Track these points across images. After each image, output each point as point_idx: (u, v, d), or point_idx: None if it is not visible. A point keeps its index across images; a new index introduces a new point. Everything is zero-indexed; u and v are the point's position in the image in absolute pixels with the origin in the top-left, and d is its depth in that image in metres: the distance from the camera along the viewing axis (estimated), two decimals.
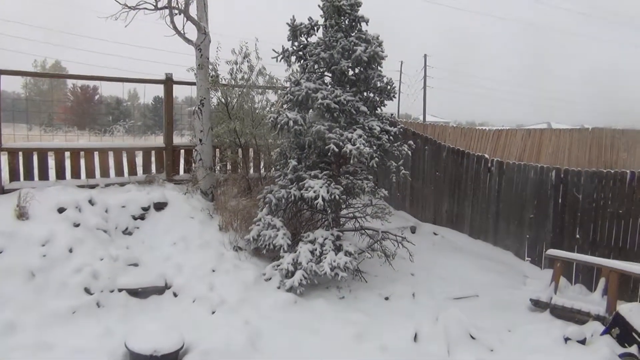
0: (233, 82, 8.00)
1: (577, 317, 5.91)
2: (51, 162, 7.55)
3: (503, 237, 8.37)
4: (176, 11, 7.24)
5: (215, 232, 6.90)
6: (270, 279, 6.11)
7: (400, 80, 49.28)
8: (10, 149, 7.15)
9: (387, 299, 6.13)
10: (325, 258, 6.03)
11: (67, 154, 7.61)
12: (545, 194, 7.77)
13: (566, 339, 5.22)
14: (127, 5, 6.95)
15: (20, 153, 7.21)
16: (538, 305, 6.29)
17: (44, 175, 7.35)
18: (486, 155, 8.84)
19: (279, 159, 6.99)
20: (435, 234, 8.81)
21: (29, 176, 7.25)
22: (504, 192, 8.34)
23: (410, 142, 7.02)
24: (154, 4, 7.05)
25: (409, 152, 6.87)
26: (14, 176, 7.16)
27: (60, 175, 7.48)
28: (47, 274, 5.62)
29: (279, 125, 6.33)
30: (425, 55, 50.02)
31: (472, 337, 5.24)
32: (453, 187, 9.10)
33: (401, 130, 7.09)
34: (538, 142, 13.77)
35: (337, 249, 6.26)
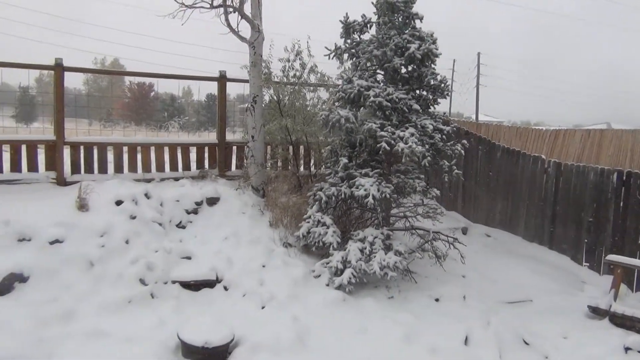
0: (285, 79, 8.06)
1: (638, 326, 5.65)
2: (110, 156, 7.82)
3: (559, 241, 8.09)
4: (231, 9, 7.35)
5: (266, 228, 6.97)
6: (319, 276, 6.12)
7: (452, 78, 48.49)
8: (73, 143, 7.45)
9: (437, 300, 6.03)
10: (374, 257, 5.99)
11: (125, 148, 7.87)
12: (606, 197, 7.46)
13: (627, 349, 5.00)
14: (184, 4, 7.12)
15: (82, 147, 7.50)
16: (596, 312, 6.05)
17: (103, 169, 7.63)
18: (543, 156, 8.57)
19: (329, 156, 6.99)
20: (487, 235, 8.61)
21: (89, 169, 7.54)
22: (561, 194, 8.06)
23: (464, 141, 6.88)
24: (210, 2, 7.19)
25: (462, 152, 6.74)
26: (75, 169, 7.46)
27: (119, 169, 7.74)
28: (104, 264, 5.83)
29: (330, 123, 6.33)
30: (478, 53, 49.09)
31: (525, 342, 5.10)
32: (507, 188, 8.87)
33: (454, 129, 6.96)
34: (598, 143, 13.21)
35: (387, 248, 6.20)
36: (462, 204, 9.61)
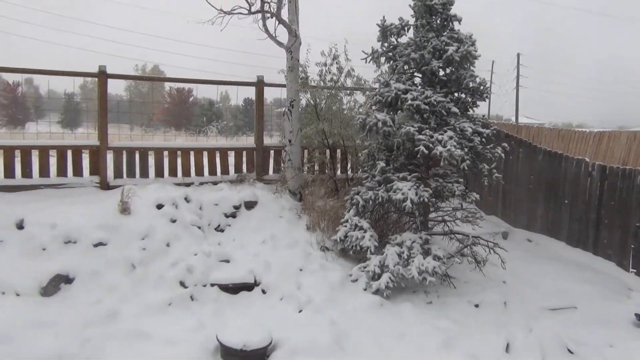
0: (322, 83, 8.09)
1: None
2: (151, 160, 8.00)
3: (604, 246, 7.84)
4: (268, 15, 7.42)
5: (303, 232, 6.99)
6: (356, 280, 6.10)
7: (491, 80, 47.72)
8: (116, 147, 7.65)
9: (477, 306, 5.92)
10: (412, 261, 5.94)
11: (166, 153, 8.04)
12: None
13: None
14: (222, 11, 7.22)
15: (124, 152, 7.70)
16: None
17: (144, 173, 7.81)
18: (586, 159, 8.33)
19: (366, 160, 6.96)
20: (529, 240, 8.42)
21: (131, 173, 7.74)
22: (606, 198, 7.80)
23: (504, 144, 6.75)
24: (248, 8, 7.28)
25: (502, 155, 6.61)
26: (118, 173, 7.66)
27: (159, 173, 7.91)
28: (146, 266, 5.96)
29: (367, 127, 6.30)
30: (518, 54, 48.16)
31: (569, 351, 4.96)
32: (549, 192, 8.65)
33: (494, 132, 6.84)
34: None
35: (425, 252, 6.14)
36: (502, 208, 9.43)
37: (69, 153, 7.41)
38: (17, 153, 7.24)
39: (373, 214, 6.89)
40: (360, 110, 7.95)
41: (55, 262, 5.77)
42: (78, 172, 7.45)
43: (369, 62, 6.89)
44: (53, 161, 7.41)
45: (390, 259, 5.99)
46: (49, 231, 6.04)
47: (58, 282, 5.61)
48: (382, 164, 6.48)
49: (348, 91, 8.22)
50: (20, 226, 6.10)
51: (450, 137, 6.04)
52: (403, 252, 6.09)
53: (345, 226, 6.53)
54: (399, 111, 6.65)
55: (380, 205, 6.69)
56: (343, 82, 8.08)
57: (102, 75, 7.42)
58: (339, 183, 8.04)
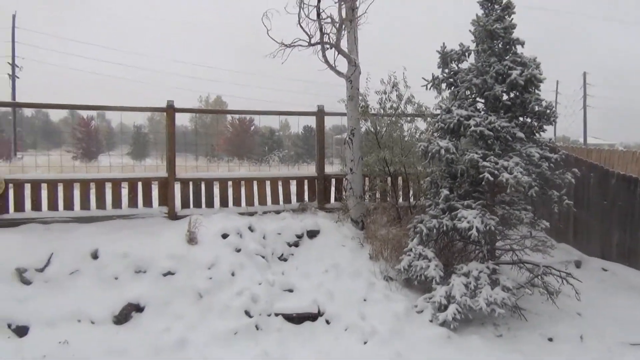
0: (382, 111, 8.10)
1: None
2: (216, 190, 8.21)
3: None
4: (328, 46, 7.53)
5: (366, 261, 6.94)
6: (422, 311, 5.97)
7: (556, 100, 46.30)
8: (183, 179, 7.91)
9: (550, 340, 5.64)
10: (480, 292, 5.76)
11: (230, 183, 8.22)
12: None
13: None
14: (283, 44, 7.39)
15: (191, 183, 7.95)
16: None
17: (210, 203, 8.01)
18: None
19: (429, 187, 6.87)
20: (604, 269, 7.97)
21: (197, 204, 7.95)
22: None
23: (575, 169, 6.50)
24: (308, 40, 7.42)
25: (573, 181, 6.36)
26: (185, 204, 7.89)
27: (224, 202, 8.09)
28: (212, 295, 6.07)
29: (429, 154, 6.24)
30: (584, 73, 46.60)
31: None
32: (624, 218, 8.19)
33: (563, 156, 6.60)
34: None
35: (493, 283, 5.94)
36: (573, 235, 9.01)
37: (140, 185, 7.72)
38: (92, 185, 7.62)
39: (437, 243, 6.76)
40: (422, 137, 7.88)
41: (127, 291, 5.99)
42: (148, 203, 7.74)
43: (430, 88, 6.86)
44: (125, 192, 7.74)
45: (457, 290, 5.84)
46: (121, 261, 6.30)
47: (130, 311, 5.82)
48: (445, 191, 6.37)
49: (409, 118, 8.18)
50: (95, 256, 6.38)
51: (517, 163, 5.88)
52: (470, 283, 5.92)
53: (409, 255, 6.43)
54: (462, 137, 6.55)
55: (445, 233, 6.57)
56: (403, 109, 8.06)
57: (170, 110, 7.73)
58: (401, 211, 7.96)
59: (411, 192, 8.43)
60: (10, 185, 7.17)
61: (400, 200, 8.35)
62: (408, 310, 6.01)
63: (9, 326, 5.45)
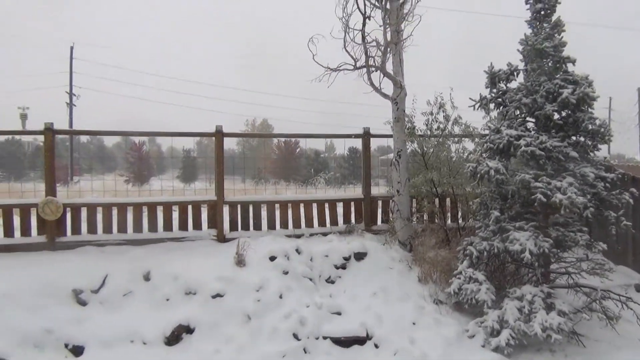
0: (429, 132, 8.03)
1: None
2: (263, 212, 8.30)
3: None
4: (373, 69, 7.56)
5: (415, 284, 6.84)
6: (473, 336, 5.82)
7: (609, 117, 44.83)
8: (231, 202, 8.04)
9: None
10: (535, 317, 5.57)
11: (277, 205, 8.30)
12: None
13: None
14: (329, 68, 7.48)
15: (239, 206, 8.07)
16: None
17: (257, 226, 8.10)
18: None
19: (479, 209, 6.74)
20: None
21: (245, 226, 8.06)
22: None
23: (633, 189, 6.25)
24: (353, 64, 7.48)
25: (631, 201, 6.11)
26: (233, 226, 8.01)
27: (271, 225, 8.17)
28: (260, 318, 6.10)
29: (478, 175, 6.14)
30: (639, 89, 44.95)
31: None
32: None
33: (619, 176, 6.36)
34: None
35: (549, 307, 5.73)
36: (632, 257, 8.61)
37: (190, 208, 7.90)
38: (145, 209, 7.84)
39: (488, 266, 6.60)
40: (470, 157, 7.77)
41: (177, 312, 6.10)
42: (198, 225, 7.89)
43: (477, 109, 6.78)
44: (175, 215, 7.92)
45: (510, 314, 5.67)
46: (172, 282, 6.43)
47: (180, 332, 5.91)
48: (496, 213, 6.24)
49: (456, 139, 8.08)
50: (147, 278, 6.54)
51: (570, 184, 5.71)
52: (524, 307, 5.74)
53: (459, 278, 6.30)
54: (512, 158, 6.42)
55: (496, 256, 6.41)
56: (450, 129, 7.97)
57: (219, 135, 7.91)
58: (449, 233, 7.82)
59: (460, 214, 8.30)
60: (68, 209, 7.47)
61: (449, 221, 8.22)
62: (459, 334, 5.87)
63: (66, 346, 5.64)
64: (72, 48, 37.88)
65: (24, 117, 40.53)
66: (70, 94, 37.87)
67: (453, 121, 7.98)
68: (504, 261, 6.64)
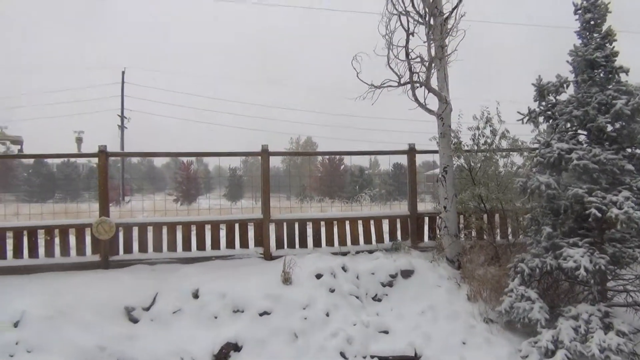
0: (475, 147, 7.91)
1: None
2: (309, 230, 8.33)
3: None
4: (417, 85, 7.53)
5: (464, 302, 6.69)
6: (526, 356, 5.62)
7: None
8: (277, 220, 8.11)
9: None
10: (591, 337, 5.34)
11: (322, 223, 8.31)
12: None
13: None
14: (373, 85, 7.50)
15: (285, 223, 8.12)
16: None
17: (303, 243, 8.13)
18: None
19: (529, 225, 6.55)
20: None
21: (291, 244, 8.10)
22: None
23: None
24: (398, 80, 7.47)
25: None
26: (279, 244, 8.07)
27: (317, 242, 8.18)
28: (307, 336, 6.09)
29: (528, 190, 5.99)
30: None
31: None
32: None
33: None
34: None
35: (606, 327, 5.49)
36: None
37: (237, 226, 8.01)
38: (193, 227, 8.00)
39: (540, 283, 6.39)
40: (519, 171, 7.58)
41: (225, 330, 6.17)
42: (245, 243, 7.99)
43: (526, 122, 6.63)
44: (223, 234, 8.04)
45: (565, 334, 5.45)
46: (219, 300, 6.51)
47: (228, 350, 5.97)
48: (548, 229, 6.05)
49: (504, 153, 7.92)
50: (195, 295, 6.65)
51: (627, 198, 5.49)
52: (579, 326, 5.51)
53: (510, 296, 6.12)
54: (563, 172, 6.23)
55: (549, 273, 6.20)
56: (498, 144, 7.82)
57: (265, 154, 8.02)
58: (499, 249, 7.63)
59: (509, 230, 8.09)
60: (120, 228, 7.71)
61: (498, 238, 8.03)
62: (511, 354, 5.70)
63: None
64: (123, 73, 39.31)
65: (79, 140, 42.25)
66: (122, 117, 39.23)
67: (500, 135, 7.83)
68: (557, 279, 6.41)
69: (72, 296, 6.39)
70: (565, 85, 6.49)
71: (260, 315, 6.33)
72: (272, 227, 8.09)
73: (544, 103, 6.59)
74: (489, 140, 7.85)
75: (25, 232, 7.53)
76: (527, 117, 6.62)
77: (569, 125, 6.34)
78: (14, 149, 39.24)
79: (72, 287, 6.65)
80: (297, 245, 8.12)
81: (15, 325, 5.86)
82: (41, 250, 7.56)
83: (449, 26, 7.45)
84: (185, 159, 37.22)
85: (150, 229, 7.88)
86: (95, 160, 7.87)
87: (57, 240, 7.60)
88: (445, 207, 7.62)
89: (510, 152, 7.94)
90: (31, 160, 40.07)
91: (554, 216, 6.28)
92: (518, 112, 6.66)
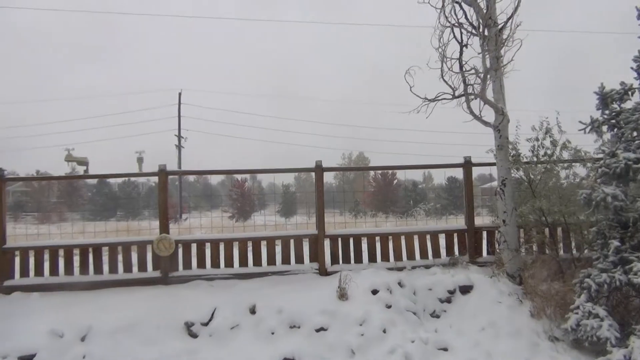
0: (535, 159, 7.67)
1: None
2: (364, 245, 8.27)
3: None
4: (472, 97, 7.40)
5: (526, 319, 6.45)
6: None
7: None
8: (332, 235, 8.11)
9: None
10: None
11: (377, 238, 8.24)
12: None
13: None
14: (427, 99, 7.42)
15: (340, 239, 8.11)
16: None
17: (358, 259, 8.09)
18: None
19: (595, 238, 6.28)
20: None
21: (346, 259, 8.07)
22: None
23: None
24: (452, 93, 7.36)
25: None
26: (334, 259, 8.05)
27: (372, 258, 8.12)
28: (364, 352, 6.02)
29: (593, 202, 5.75)
30: None
31: None
32: None
33: None
34: None
35: None
36: None
37: (292, 242, 8.06)
38: (249, 244, 8.11)
39: (609, 299, 6.08)
40: (582, 182, 7.30)
41: (282, 345, 6.17)
42: (300, 259, 8.02)
43: (588, 132, 6.39)
44: (278, 249, 8.11)
45: (638, 353, 5.16)
46: (276, 316, 6.53)
47: None
48: (615, 242, 5.78)
49: (565, 164, 7.64)
50: (252, 311, 6.70)
51: None
52: None
53: (577, 313, 5.87)
54: (631, 183, 5.96)
55: (618, 289, 5.91)
56: (559, 155, 7.55)
57: (319, 170, 8.06)
58: (563, 264, 7.33)
59: (573, 244, 7.77)
60: (180, 245, 7.90)
61: (561, 252, 7.72)
62: None
63: None
64: (180, 94, 40.69)
65: (140, 160, 43.87)
66: (179, 137, 40.51)
67: (561, 146, 7.57)
68: (628, 295, 6.09)
69: (135, 312, 6.58)
70: (630, 93, 6.24)
71: (317, 331, 6.30)
72: (326, 243, 8.09)
73: (607, 111, 6.35)
74: (549, 152, 7.59)
75: (90, 250, 7.83)
76: (589, 127, 6.39)
77: (635, 134, 6.07)
78: (80, 169, 41.18)
79: (134, 303, 6.85)
80: (352, 261, 8.08)
81: (82, 339, 6.08)
82: (105, 267, 7.84)
83: (504, 37, 7.30)
84: (239, 177, 37.95)
85: (208, 245, 8.03)
86: (153, 179, 8.13)
87: (120, 257, 7.87)
88: (504, 221, 7.41)
89: (573, 163, 7.65)
90: (95, 180, 41.81)
91: (621, 229, 6.00)
92: (580, 122, 6.44)
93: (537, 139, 7.63)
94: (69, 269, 7.78)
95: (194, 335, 6.45)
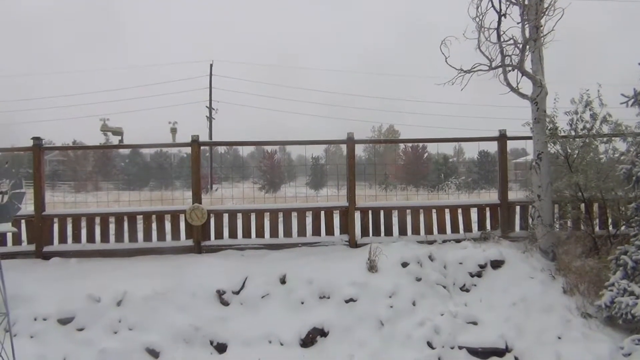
0: (573, 132, 7.45)
1: None
2: (394, 218, 8.25)
3: None
4: (509, 68, 7.21)
5: (559, 295, 6.37)
6: (629, 354, 5.29)
7: None
8: (362, 208, 8.10)
9: None
10: None
11: (408, 211, 8.21)
12: None
13: None
14: (462, 70, 7.25)
15: (370, 212, 8.11)
16: None
17: (388, 231, 8.07)
18: None
19: (634, 214, 6.13)
20: None
21: (376, 232, 8.07)
22: None
23: None
24: (489, 64, 7.18)
25: None
26: (364, 232, 8.06)
27: (403, 231, 8.09)
28: (393, 324, 6.06)
29: (634, 177, 5.59)
30: None
31: None
32: None
33: None
34: None
35: None
36: None
37: (323, 214, 8.08)
38: (280, 215, 8.17)
39: None
40: (622, 158, 7.07)
41: (312, 315, 6.26)
42: (330, 231, 8.05)
43: (631, 105, 6.17)
44: (309, 221, 8.15)
45: None
46: (306, 286, 6.60)
47: (315, 335, 6.07)
48: None
49: (605, 139, 7.39)
50: (283, 281, 6.78)
51: None
52: None
53: (611, 290, 5.78)
54: None
55: None
56: (598, 129, 7.31)
57: (351, 142, 8.02)
58: (598, 241, 7.18)
59: (609, 220, 7.59)
60: (212, 215, 8.00)
61: (597, 228, 7.56)
62: (612, 352, 5.38)
63: (211, 343, 6.05)
64: (211, 66, 40.77)
65: (174, 131, 44.35)
66: (210, 108, 40.74)
67: (601, 120, 7.31)
68: None
69: (169, 279, 6.72)
70: None
71: (346, 302, 6.36)
72: (357, 215, 8.08)
73: None
74: (588, 125, 7.35)
75: (125, 218, 8.01)
76: (632, 100, 6.16)
77: None
78: (114, 139, 41.89)
79: (168, 270, 7.00)
80: (382, 233, 8.07)
81: (118, 304, 6.26)
82: (140, 235, 8.01)
83: (545, 5, 7.04)
84: (269, 148, 38.12)
85: (239, 215, 8.11)
86: (185, 150, 8.22)
87: (154, 225, 8.02)
88: (539, 196, 7.27)
89: (612, 138, 7.41)
90: (128, 151, 42.51)
91: None
92: (622, 95, 6.21)
93: (576, 112, 7.39)
94: (105, 237, 7.97)
95: (225, 303, 6.57)
